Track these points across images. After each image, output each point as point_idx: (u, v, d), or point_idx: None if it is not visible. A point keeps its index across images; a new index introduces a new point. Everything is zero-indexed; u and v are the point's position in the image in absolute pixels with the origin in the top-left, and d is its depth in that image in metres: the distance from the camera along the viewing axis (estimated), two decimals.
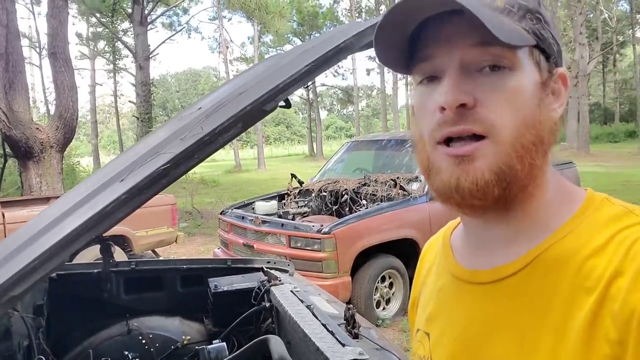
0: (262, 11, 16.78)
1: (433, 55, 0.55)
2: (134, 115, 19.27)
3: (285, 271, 2.29)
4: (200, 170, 20.43)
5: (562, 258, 0.52)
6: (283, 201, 5.53)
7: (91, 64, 27.90)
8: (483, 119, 0.52)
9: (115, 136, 39.20)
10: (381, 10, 27.77)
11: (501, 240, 0.58)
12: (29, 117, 6.91)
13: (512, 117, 0.52)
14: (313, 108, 33.14)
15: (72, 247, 0.73)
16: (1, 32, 6.38)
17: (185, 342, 2.09)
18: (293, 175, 5.71)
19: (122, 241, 5.60)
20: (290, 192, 5.55)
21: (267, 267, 2.29)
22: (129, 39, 20.79)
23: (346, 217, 4.31)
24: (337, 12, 31.81)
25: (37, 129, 6.92)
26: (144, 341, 2.10)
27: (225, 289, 2.07)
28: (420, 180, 4.73)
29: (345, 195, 5.02)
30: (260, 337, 1.58)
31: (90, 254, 4.71)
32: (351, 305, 1.57)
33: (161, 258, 6.26)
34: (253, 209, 5.27)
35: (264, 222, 4.53)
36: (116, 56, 24.36)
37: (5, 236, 4.79)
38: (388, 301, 4.51)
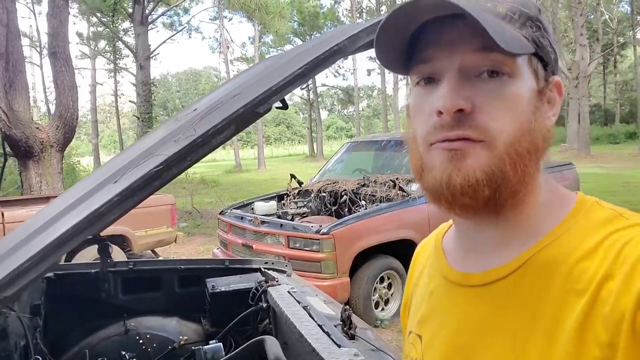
0: (262, 11, 16.79)
1: (433, 57, 0.55)
2: (134, 115, 19.28)
3: (283, 272, 2.29)
4: (201, 170, 20.46)
5: (553, 261, 0.52)
6: (282, 201, 5.53)
7: (92, 64, 27.90)
8: (480, 125, 0.52)
9: (116, 136, 39.23)
10: (382, 10, 27.76)
11: (493, 243, 0.58)
12: (29, 117, 6.92)
13: (508, 124, 0.53)
14: (313, 108, 33.14)
15: (65, 248, 0.73)
16: (1, 32, 6.38)
17: (182, 342, 2.09)
18: (292, 176, 5.71)
19: (122, 241, 5.61)
20: (290, 192, 5.55)
21: (264, 268, 2.29)
22: (130, 39, 20.83)
23: (345, 218, 4.31)
24: (338, 12, 31.84)
25: (37, 128, 6.93)
26: (141, 341, 2.10)
27: (223, 289, 2.07)
28: None
29: (345, 196, 5.02)
30: (256, 338, 1.58)
31: (90, 254, 4.72)
32: (347, 306, 1.57)
33: (160, 258, 6.26)
34: (252, 209, 5.27)
35: (262, 222, 4.54)
36: (117, 56, 24.37)
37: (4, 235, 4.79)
38: (387, 302, 4.51)
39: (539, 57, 0.56)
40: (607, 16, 30.59)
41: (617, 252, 0.48)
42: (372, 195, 4.84)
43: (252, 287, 2.08)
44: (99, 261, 2.15)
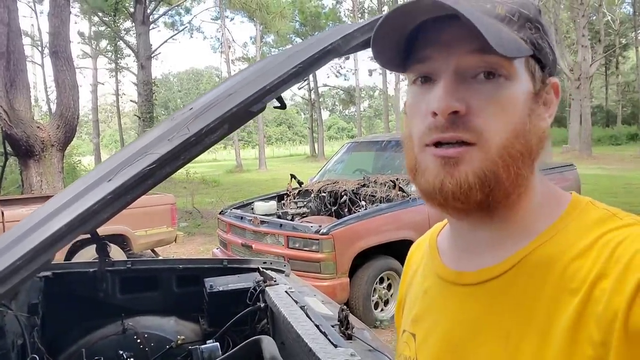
0: (263, 11, 16.80)
1: (430, 57, 0.55)
2: (135, 115, 19.30)
3: (282, 272, 2.29)
4: (201, 170, 20.50)
5: (547, 260, 0.52)
6: (282, 201, 5.53)
7: (93, 63, 27.94)
8: (474, 127, 0.52)
9: (117, 135, 39.26)
10: (384, 10, 27.78)
11: (487, 243, 0.58)
12: (30, 116, 6.92)
13: (502, 127, 0.53)
14: (315, 108, 33.14)
15: (57, 246, 0.73)
16: (3, 31, 6.39)
17: (179, 341, 2.09)
18: (292, 176, 5.71)
19: (122, 240, 5.61)
20: (290, 192, 5.55)
21: (263, 268, 2.29)
22: (131, 38, 20.87)
23: (345, 218, 4.31)
24: (340, 12, 31.84)
25: (38, 127, 6.94)
26: (138, 340, 2.10)
27: (221, 289, 2.07)
28: None
29: (345, 196, 5.02)
30: (253, 338, 1.58)
31: (89, 254, 4.72)
32: (345, 307, 1.57)
33: (159, 258, 6.26)
34: (252, 209, 5.27)
35: (262, 222, 4.53)
36: (118, 55, 24.44)
37: None
38: (386, 303, 4.51)
39: (537, 59, 0.55)
40: (609, 17, 30.59)
41: (611, 252, 0.48)
42: (372, 196, 4.83)
43: (250, 287, 2.08)
44: (97, 260, 2.15)
